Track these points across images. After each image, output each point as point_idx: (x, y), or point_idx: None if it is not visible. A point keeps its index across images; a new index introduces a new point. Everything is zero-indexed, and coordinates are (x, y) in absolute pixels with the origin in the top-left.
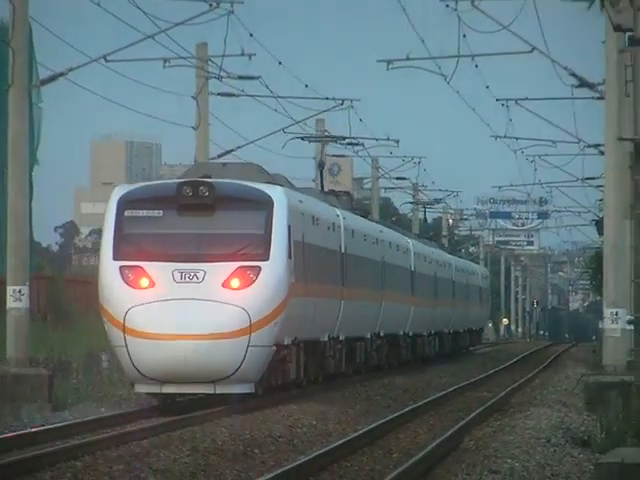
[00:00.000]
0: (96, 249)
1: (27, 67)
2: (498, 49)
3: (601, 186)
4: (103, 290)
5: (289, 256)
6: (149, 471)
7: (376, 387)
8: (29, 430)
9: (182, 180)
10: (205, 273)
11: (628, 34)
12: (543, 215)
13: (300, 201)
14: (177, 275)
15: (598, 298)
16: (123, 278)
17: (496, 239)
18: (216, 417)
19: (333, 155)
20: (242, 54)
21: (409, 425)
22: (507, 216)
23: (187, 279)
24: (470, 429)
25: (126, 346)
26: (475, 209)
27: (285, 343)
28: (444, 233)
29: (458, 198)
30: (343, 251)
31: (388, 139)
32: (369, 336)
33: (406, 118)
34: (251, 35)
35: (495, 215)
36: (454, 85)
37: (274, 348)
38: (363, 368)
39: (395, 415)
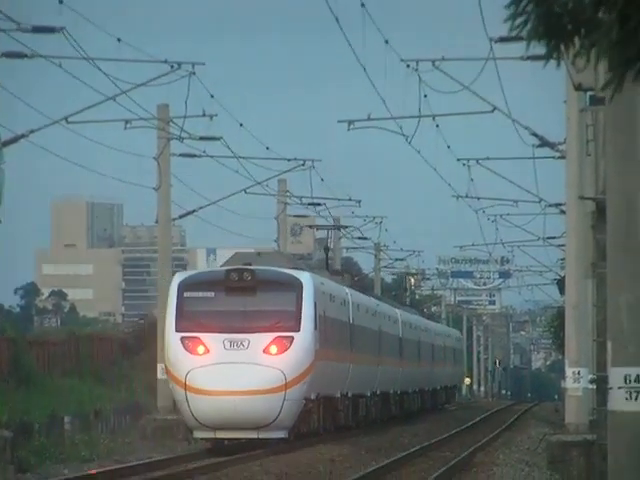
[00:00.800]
0: (56, 310)
1: None
2: (459, 109)
3: (562, 245)
4: (168, 356)
5: (315, 327)
6: None
7: (339, 447)
8: None
9: (229, 268)
10: (249, 342)
11: (589, 93)
12: (505, 274)
13: (322, 283)
14: (227, 343)
15: (560, 357)
16: (184, 346)
17: (458, 298)
18: (179, 479)
19: (295, 215)
20: (203, 115)
21: None
22: (469, 275)
23: (235, 347)
24: None
25: (187, 401)
26: (437, 269)
27: (311, 398)
28: (407, 293)
29: (420, 258)
30: (351, 322)
31: (350, 199)
32: (369, 394)
33: (367, 178)
34: (212, 96)
35: (457, 274)
36: (415, 145)
37: (304, 402)
38: (363, 421)
39: (357, 476)
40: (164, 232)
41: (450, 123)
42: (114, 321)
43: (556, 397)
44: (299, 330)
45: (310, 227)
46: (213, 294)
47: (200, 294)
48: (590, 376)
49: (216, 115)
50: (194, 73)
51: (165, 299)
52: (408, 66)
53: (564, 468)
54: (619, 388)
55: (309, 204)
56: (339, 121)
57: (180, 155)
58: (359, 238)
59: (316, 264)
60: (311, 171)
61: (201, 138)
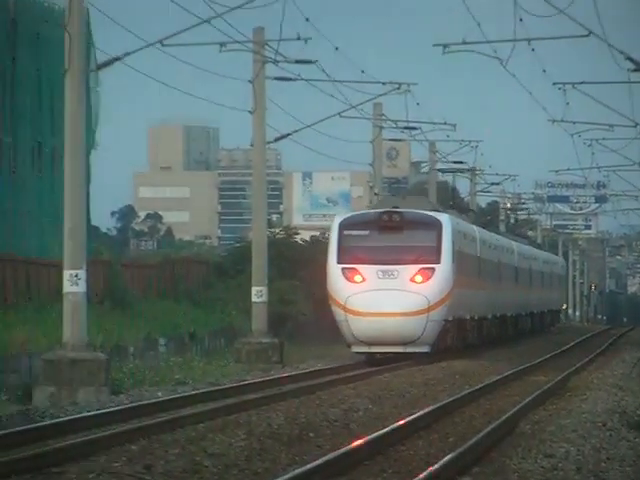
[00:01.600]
0: (152, 233)
1: (84, 52)
2: (554, 33)
3: None
4: (330, 284)
5: (453, 261)
6: (204, 455)
7: (434, 371)
8: (85, 414)
9: (381, 210)
10: (398, 272)
11: None
12: (601, 199)
13: (457, 223)
14: (380, 273)
15: None
16: (344, 276)
17: (554, 223)
18: (272, 401)
19: (390, 139)
20: (298, 38)
21: (465, 409)
22: (565, 200)
23: (387, 276)
24: (526, 413)
25: (347, 321)
26: (533, 193)
27: (449, 319)
28: (501, 217)
29: (515, 182)
30: (478, 255)
31: (445, 123)
32: (490, 316)
33: (463, 102)
34: (307, 19)
35: (553, 199)
36: (510, 69)
37: (443, 322)
38: (485, 340)
39: (451, 399)
40: (259, 155)
41: (545, 47)
42: (210, 244)
43: None
44: (440, 262)
45: (436, 170)
46: (368, 232)
47: (357, 232)
48: None
49: (311, 38)
50: None
51: (260, 222)
52: None
53: None
54: None
55: (404, 128)
56: (434, 45)
57: (275, 78)
58: (455, 162)
59: (412, 188)
60: (406, 95)
61: (296, 61)
